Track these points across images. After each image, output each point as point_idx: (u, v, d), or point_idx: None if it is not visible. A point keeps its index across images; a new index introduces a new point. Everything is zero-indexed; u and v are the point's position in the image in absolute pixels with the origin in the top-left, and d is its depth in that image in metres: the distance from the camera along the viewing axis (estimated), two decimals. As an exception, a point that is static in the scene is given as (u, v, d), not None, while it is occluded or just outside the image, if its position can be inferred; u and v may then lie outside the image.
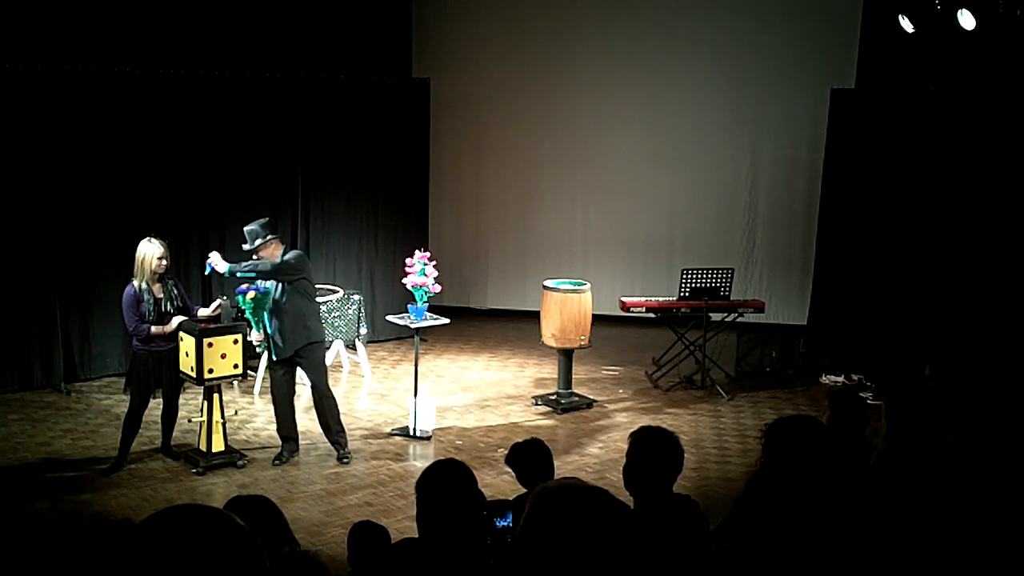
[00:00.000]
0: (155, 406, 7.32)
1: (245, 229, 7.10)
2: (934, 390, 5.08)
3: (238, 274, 7.01)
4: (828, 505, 3.13)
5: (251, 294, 6.97)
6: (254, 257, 7.07)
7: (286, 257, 7.05)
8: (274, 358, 7.24)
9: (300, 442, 7.57)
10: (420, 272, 7.78)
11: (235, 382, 8.81)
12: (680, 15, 11.58)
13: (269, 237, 7.05)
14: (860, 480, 4.05)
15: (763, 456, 3.70)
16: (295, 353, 7.19)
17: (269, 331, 7.16)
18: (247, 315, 7.08)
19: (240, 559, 1.44)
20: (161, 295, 6.97)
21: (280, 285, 7.07)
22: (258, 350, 7.30)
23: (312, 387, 7.45)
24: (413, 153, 11.17)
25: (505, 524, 3.73)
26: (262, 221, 7.16)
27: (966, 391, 5.09)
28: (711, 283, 9.45)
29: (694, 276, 9.43)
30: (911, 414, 4.23)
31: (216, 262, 7.01)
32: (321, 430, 7.48)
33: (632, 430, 3.74)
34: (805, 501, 3.14)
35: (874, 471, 4.18)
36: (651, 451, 3.57)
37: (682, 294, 9.46)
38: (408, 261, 7.88)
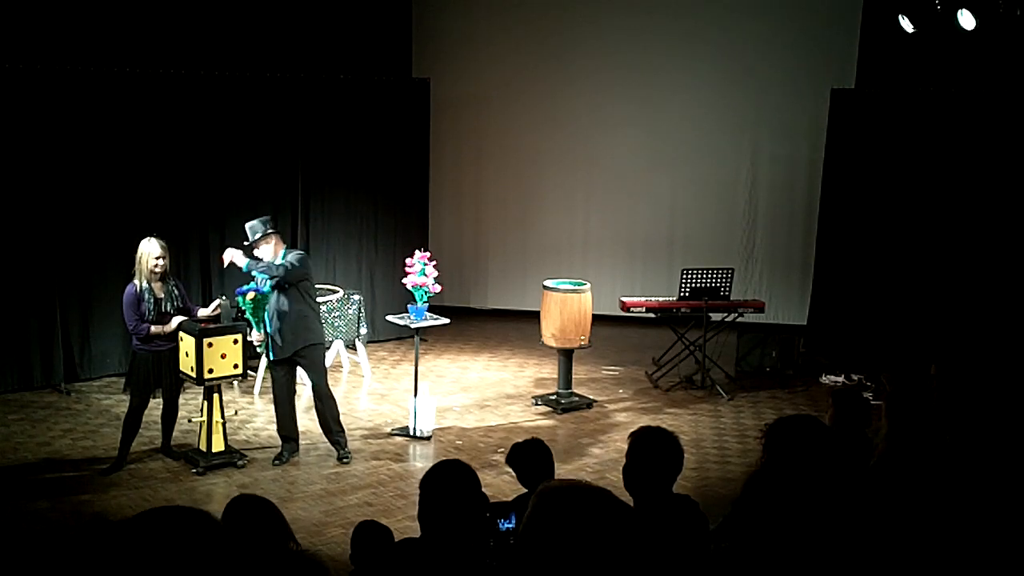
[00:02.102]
0: (155, 406, 7.32)
1: (246, 225, 7.11)
2: (939, 390, 5.07)
3: (253, 272, 7.00)
4: (829, 505, 3.12)
5: (251, 295, 6.99)
6: (255, 252, 7.08)
7: (291, 259, 7.03)
8: (271, 357, 7.24)
9: (300, 442, 7.57)
10: (420, 272, 7.78)
11: (235, 382, 8.81)
12: (680, 15, 11.58)
13: (269, 231, 7.07)
14: (861, 480, 4.05)
15: (763, 456, 3.69)
16: (295, 353, 7.19)
17: (269, 331, 7.16)
18: (247, 315, 7.09)
19: (215, 556, 1.43)
20: (162, 295, 6.97)
21: (283, 287, 7.06)
22: (259, 350, 7.32)
23: (312, 388, 7.46)
24: (413, 153, 11.16)
25: (509, 526, 3.72)
26: (263, 218, 7.20)
27: (969, 391, 5.09)
28: (711, 283, 9.45)
29: (694, 276, 9.43)
30: (911, 414, 4.23)
31: (236, 257, 6.99)
32: (321, 430, 7.49)
33: (632, 430, 3.74)
34: (805, 501, 3.13)
35: (874, 471, 4.17)
36: (651, 451, 3.57)
37: (682, 294, 9.46)
38: (408, 261, 7.88)
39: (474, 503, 3.17)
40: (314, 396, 7.46)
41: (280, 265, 6.98)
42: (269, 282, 7.08)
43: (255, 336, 7.19)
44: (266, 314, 7.14)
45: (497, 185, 12.33)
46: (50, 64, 8.79)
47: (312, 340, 7.26)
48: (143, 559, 1.40)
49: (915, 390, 4.43)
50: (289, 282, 7.04)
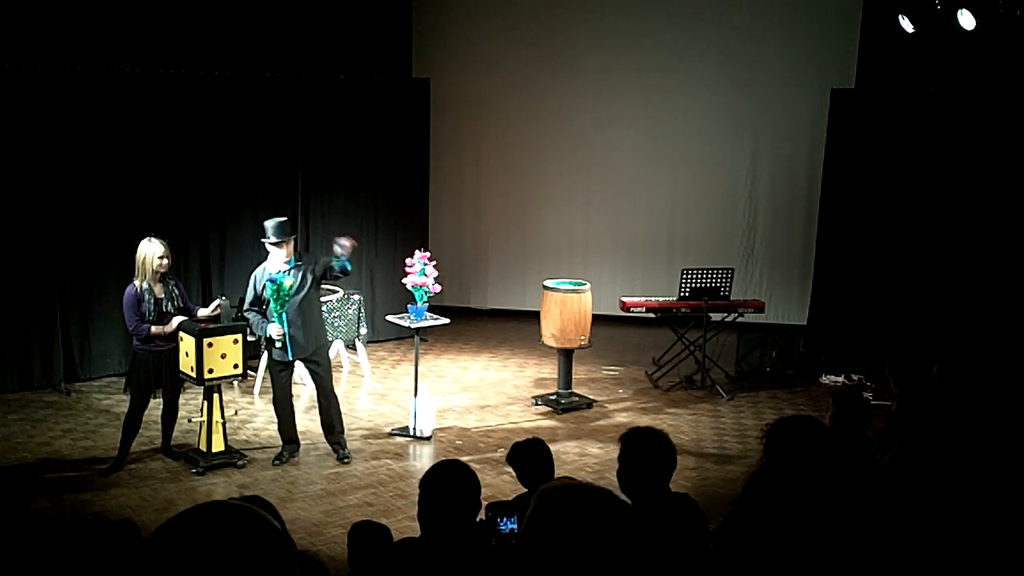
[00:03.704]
0: (155, 406, 7.32)
1: (271, 223, 7.08)
2: (941, 390, 5.07)
3: (348, 267, 7.15)
4: (829, 505, 3.13)
5: (288, 281, 6.96)
6: (268, 251, 7.10)
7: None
8: (290, 357, 7.18)
9: (300, 442, 7.57)
10: (420, 272, 7.77)
11: (235, 382, 8.80)
12: (680, 15, 11.58)
13: (293, 236, 7.19)
14: (863, 480, 4.05)
15: (764, 456, 3.69)
16: (313, 352, 7.21)
17: (288, 329, 7.11)
18: (272, 307, 7.02)
19: (274, 557, 1.42)
20: (162, 295, 6.97)
21: (310, 286, 7.10)
22: (277, 345, 7.18)
23: (319, 387, 7.44)
24: (413, 153, 11.16)
25: (512, 527, 3.71)
26: (282, 219, 7.20)
27: (971, 391, 5.09)
28: (711, 283, 9.45)
29: (694, 276, 9.43)
30: (925, 414, 4.22)
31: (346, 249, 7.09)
32: (322, 431, 7.48)
33: (622, 433, 3.73)
34: (806, 501, 3.14)
35: (887, 471, 4.17)
36: (643, 452, 3.56)
37: (682, 294, 9.46)
38: (408, 261, 7.88)
39: (472, 504, 3.17)
40: (319, 396, 7.45)
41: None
42: (293, 275, 7.07)
43: (275, 330, 7.05)
44: (285, 313, 7.08)
45: (497, 185, 12.33)
46: (50, 64, 8.79)
47: (325, 340, 7.47)
48: (203, 559, 1.39)
49: (927, 389, 4.42)
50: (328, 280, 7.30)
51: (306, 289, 7.11)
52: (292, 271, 7.08)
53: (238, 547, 1.39)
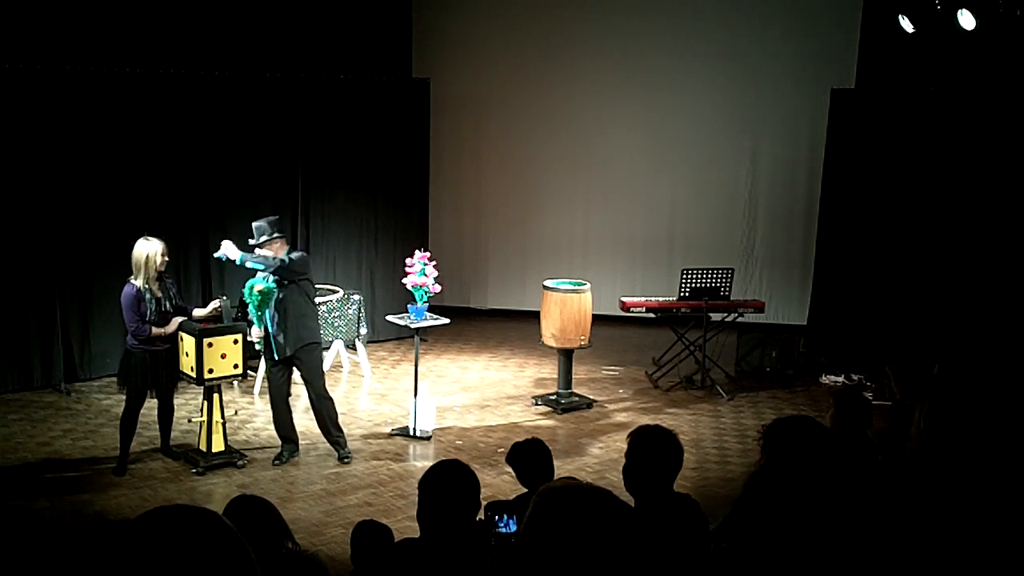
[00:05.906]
0: (152, 406, 7.32)
1: (254, 224, 7.10)
2: (942, 389, 5.07)
3: (248, 264, 6.97)
4: (829, 505, 3.12)
5: (259, 286, 6.96)
6: (257, 252, 7.07)
7: (292, 256, 7.06)
8: (275, 357, 7.21)
9: (300, 442, 7.56)
10: (420, 272, 7.77)
11: (235, 382, 8.80)
12: (680, 15, 11.58)
13: (276, 235, 7.06)
14: (863, 480, 4.04)
15: (762, 457, 3.69)
16: (294, 353, 7.17)
17: (271, 330, 7.13)
18: (250, 309, 7.06)
19: (226, 559, 1.43)
20: (160, 294, 6.95)
21: (284, 283, 7.06)
22: (257, 347, 7.27)
23: (309, 389, 7.41)
24: (413, 153, 11.16)
25: (513, 528, 3.71)
26: (271, 219, 7.18)
27: (972, 391, 5.09)
28: (711, 283, 9.45)
29: (694, 276, 9.43)
30: (925, 414, 4.22)
31: (229, 249, 7.00)
32: (320, 431, 7.47)
33: (631, 430, 3.74)
34: (806, 501, 3.14)
35: (887, 471, 4.16)
36: (650, 450, 3.57)
37: (682, 294, 9.46)
38: (408, 261, 7.88)
39: (471, 504, 3.17)
40: (310, 398, 7.43)
41: (277, 259, 6.96)
42: (272, 277, 7.06)
43: (255, 332, 7.16)
44: (267, 313, 7.11)
45: (497, 185, 12.33)
46: (50, 64, 8.79)
47: (310, 339, 7.23)
48: (149, 560, 1.39)
49: (927, 389, 4.41)
50: (287, 279, 7.03)
51: (281, 290, 7.05)
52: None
53: (188, 552, 1.40)
